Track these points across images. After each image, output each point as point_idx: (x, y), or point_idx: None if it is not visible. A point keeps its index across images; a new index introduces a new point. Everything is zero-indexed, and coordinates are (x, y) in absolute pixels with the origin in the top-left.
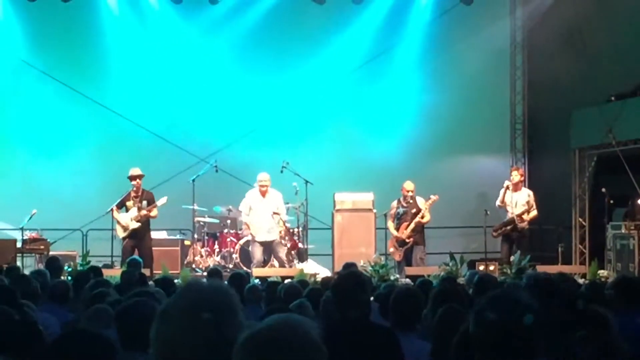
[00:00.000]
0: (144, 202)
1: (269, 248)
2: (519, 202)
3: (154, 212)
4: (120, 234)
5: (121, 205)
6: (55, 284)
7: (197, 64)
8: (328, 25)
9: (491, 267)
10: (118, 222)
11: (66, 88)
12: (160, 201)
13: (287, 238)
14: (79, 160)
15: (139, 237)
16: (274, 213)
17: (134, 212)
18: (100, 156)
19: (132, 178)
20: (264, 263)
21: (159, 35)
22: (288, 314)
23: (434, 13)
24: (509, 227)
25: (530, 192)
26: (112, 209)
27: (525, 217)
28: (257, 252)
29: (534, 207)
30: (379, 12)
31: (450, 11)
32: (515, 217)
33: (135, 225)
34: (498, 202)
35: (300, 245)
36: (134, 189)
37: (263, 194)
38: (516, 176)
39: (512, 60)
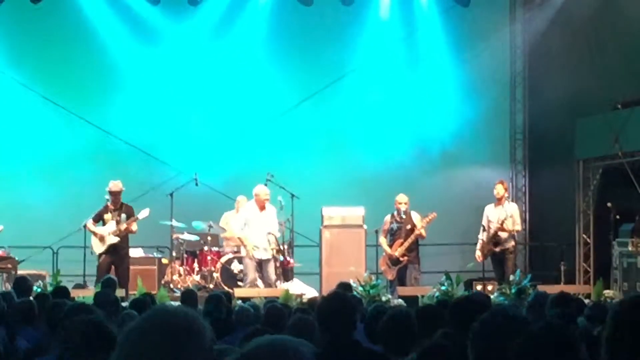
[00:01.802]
0: (123, 216)
1: (261, 266)
2: (500, 217)
3: (134, 227)
4: (97, 249)
5: (98, 219)
6: (19, 304)
7: (176, 70)
8: (316, 30)
9: (489, 287)
10: (94, 235)
11: (35, 95)
12: (142, 213)
13: (279, 256)
14: (49, 173)
15: (117, 254)
16: (269, 233)
17: (112, 225)
18: (72, 168)
19: (113, 194)
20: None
21: (135, 42)
22: (280, 336)
23: (429, 17)
24: (492, 246)
25: (516, 206)
26: (85, 225)
27: (507, 225)
28: (252, 271)
29: (519, 222)
30: (370, 16)
31: (446, 14)
32: (496, 228)
33: (114, 240)
34: (482, 237)
35: (291, 264)
36: (111, 202)
37: (262, 208)
38: (501, 190)
39: (512, 66)
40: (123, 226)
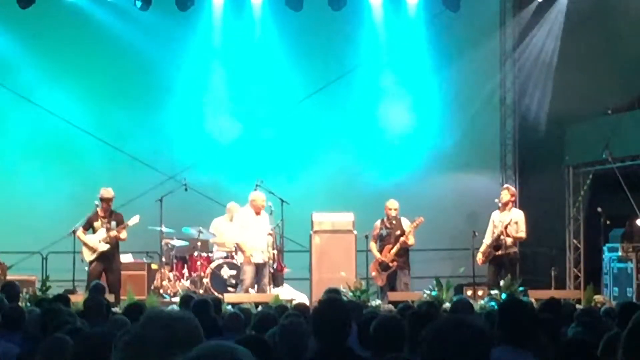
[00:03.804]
0: (113, 223)
1: (258, 271)
2: (504, 222)
3: (123, 234)
4: (88, 257)
5: (88, 227)
6: (8, 310)
7: (165, 74)
8: (306, 36)
9: (480, 292)
10: (85, 244)
11: (23, 100)
12: (132, 220)
13: (273, 261)
14: (37, 177)
15: (108, 261)
16: (269, 234)
17: (102, 233)
18: (61, 173)
19: (105, 200)
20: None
21: (125, 45)
22: (220, 341)
23: (419, 22)
24: (494, 250)
25: (521, 213)
26: (74, 231)
27: (510, 231)
28: (250, 276)
29: (523, 230)
30: (360, 22)
31: (436, 20)
32: (502, 232)
33: (104, 247)
34: (487, 241)
35: (285, 269)
36: (102, 208)
37: (258, 213)
38: (506, 195)
39: (502, 71)
40: (113, 233)
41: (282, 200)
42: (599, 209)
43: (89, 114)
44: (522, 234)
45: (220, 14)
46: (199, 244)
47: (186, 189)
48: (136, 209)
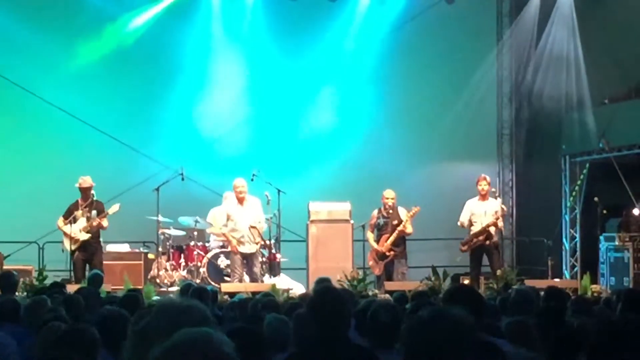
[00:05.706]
0: (94, 212)
1: (246, 261)
2: (488, 211)
3: (105, 222)
4: (68, 246)
5: (68, 216)
6: (3, 302)
7: (161, 62)
8: (304, 25)
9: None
10: (64, 234)
11: (17, 88)
12: (112, 209)
13: (264, 251)
14: (34, 167)
15: (89, 250)
16: (251, 227)
17: (82, 222)
18: (58, 162)
19: (83, 190)
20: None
21: (122, 34)
22: (200, 329)
23: (416, 13)
24: (481, 237)
25: (500, 201)
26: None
27: (499, 220)
28: (239, 266)
29: (502, 219)
30: (356, 10)
31: (432, 9)
32: (494, 222)
33: (85, 236)
34: (463, 220)
35: (277, 258)
36: (82, 197)
37: (241, 201)
38: (486, 185)
39: (499, 60)
40: (95, 222)
41: (279, 190)
42: (596, 199)
43: (86, 103)
44: (502, 223)
45: (218, 3)
46: (195, 233)
47: (183, 179)
48: (133, 198)
